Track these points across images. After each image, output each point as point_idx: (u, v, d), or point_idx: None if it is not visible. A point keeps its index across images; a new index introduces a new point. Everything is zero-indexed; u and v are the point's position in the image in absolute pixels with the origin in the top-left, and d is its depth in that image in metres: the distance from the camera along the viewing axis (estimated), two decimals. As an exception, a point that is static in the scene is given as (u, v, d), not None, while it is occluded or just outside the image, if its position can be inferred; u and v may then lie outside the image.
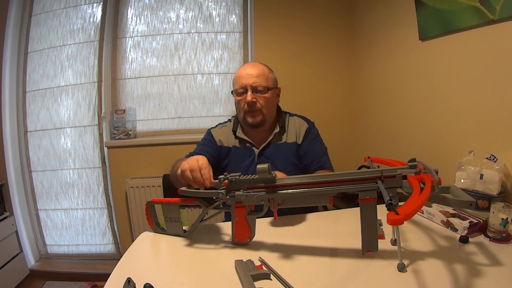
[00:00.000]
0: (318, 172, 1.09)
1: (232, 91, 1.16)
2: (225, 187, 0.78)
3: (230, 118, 1.26)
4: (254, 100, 1.08)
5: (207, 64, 2.07)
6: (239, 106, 1.12)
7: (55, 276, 2.02)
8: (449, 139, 1.33)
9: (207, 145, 1.18)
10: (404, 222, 0.88)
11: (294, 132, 1.18)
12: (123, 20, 2.02)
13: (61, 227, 2.14)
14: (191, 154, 1.14)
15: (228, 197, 0.78)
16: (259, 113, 1.10)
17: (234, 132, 1.18)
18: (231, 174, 0.78)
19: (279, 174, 0.81)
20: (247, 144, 1.16)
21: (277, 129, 1.16)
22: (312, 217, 1.01)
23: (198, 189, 0.80)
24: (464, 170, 1.05)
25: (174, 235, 0.88)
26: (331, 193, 0.72)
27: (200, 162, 0.79)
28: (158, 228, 0.91)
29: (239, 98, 1.12)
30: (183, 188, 0.81)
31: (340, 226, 0.93)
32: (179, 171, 0.80)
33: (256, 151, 1.15)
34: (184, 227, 0.88)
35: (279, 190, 0.75)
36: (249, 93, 1.08)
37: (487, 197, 0.96)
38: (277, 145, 1.16)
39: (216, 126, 1.25)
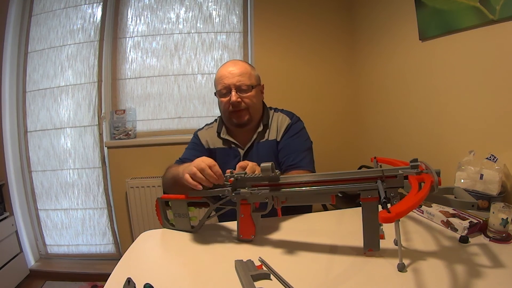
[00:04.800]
0: (292, 173, 1.01)
1: (215, 93, 1.12)
2: (231, 184, 0.80)
3: (216, 118, 1.22)
4: (239, 100, 1.05)
5: (207, 64, 2.07)
6: (224, 107, 1.08)
7: (55, 276, 2.02)
8: (449, 139, 1.33)
9: (195, 148, 1.16)
10: (404, 221, 0.89)
11: (276, 128, 1.13)
12: (123, 20, 2.02)
13: (61, 227, 2.14)
14: (181, 159, 1.13)
15: (233, 194, 0.80)
16: (245, 112, 1.07)
17: (218, 133, 1.15)
18: (237, 172, 0.80)
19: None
20: (232, 145, 1.14)
21: (260, 128, 1.12)
22: (314, 217, 1.01)
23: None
24: (464, 170, 1.05)
25: (183, 231, 0.90)
26: (333, 192, 0.73)
27: (206, 161, 0.79)
28: (167, 224, 0.93)
29: (223, 99, 1.08)
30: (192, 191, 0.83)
31: (343, 225, 0.93)
32: (186, 175, 0.78)
33: (242, 151, 1.12)
34: (192, 223, 0.90)
35: (282, 188, 0.76)
36: (233, 93, 1.04)
37: (487, 197, 0.96)
38: (260, 143, 1.12)
39: (203, 127, 1.23)
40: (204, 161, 0.79)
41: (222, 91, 1.07)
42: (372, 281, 0.62)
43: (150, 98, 2.06)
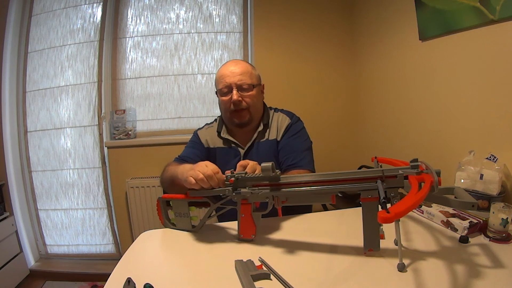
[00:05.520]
0: (291, 172, 1.02)
1: (216, 92, 1.12)
2: (231, 184, 0.80)
3: (216, 118, 1.23)
4: (240, 99, 1.05)
5: (207, 64, 2.07)
6: (225, 106, 1.09)
7: (55, 276, 2.02)
8: (449, 139, 1.33)
9: (195, 147, 1.16)
10: (404, 221, 0.89)
11: (276, 128, 1.13)
12: (123, 20, 2.02)
13: (61, 227, 2.14)
14: (180, 157, 1.13)
15: (234, 194, 0.80)
16: (246, 112, 1.07)
17: (219, 132, 1.15)
18: (237, 172, 0.80)
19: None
20: (232, 145, 1.14)
21: (260, 127, 1.12)
22: (314, 217, 1.01)
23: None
24: (464, 170, 1.05)
25: (184, 230, 0.91)
26: (333, 192, 0.73)
27: (210, 166, 0.79)
28: (168, 223, 0.94)
29: (224, 98, 1.08)
30: (191, 190, 0.84)
31: (343, 225, 0.93)
32: (191, 179, 0.79)
33: (242, 151, 1.13)
34: (192, 223, 0.90)
35: (283, 188, 0.76)
36: (234, 92, 1.05)
37: (487, 197, 0.96)
38: (260, 143, 1.12)
39: (203, 127, 1.23)
40: (208, 167, 0.79)
41: (223, 90, 1.07)
42: (372, 281, 0.62)
43: (150, 98, 2.06)
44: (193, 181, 0.78)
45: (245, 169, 0.81)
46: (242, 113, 1.07)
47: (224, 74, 1.07)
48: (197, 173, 0.78)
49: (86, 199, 2.11)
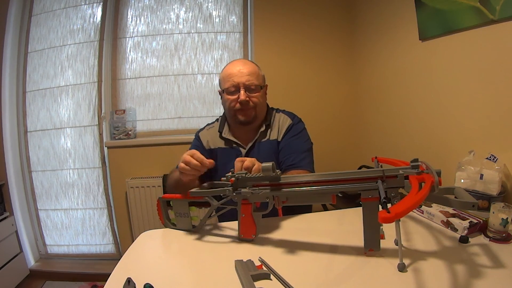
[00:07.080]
0: (291, 173, 1.02)
1: (223, 90, 1.11)
2: (232, 184, 0.80)
3: (218, 118, 1.23)
4: (247, 99, 1.05)
5: (207, 64, 2.07)
6: (230, 105, 1.08)
7: (55, 276, 2.02)
8: (449, 139, 1.33)
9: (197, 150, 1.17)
10: (404, 221, 0.89)
11: (277, 128, 1.14)
12: (123, 20, 2.02)
13: (61, 227, 2.14)
14: None
15: (234, 194, 0.81)
16: (252, 110, 1.08)
17: (220, 133, 1.16)
18: (238, 172, 0.80)
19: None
20: (234, 145, 1.14)
21: (262, 127, 1.13)
22: (315, 217, 1.01)
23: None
24: (464, 170, 1.05)
25: (184, 230, 0.91)
26: (333, 192, 0.73)
27: (189, 152, 0.85)
28: (168, 223, 0.94)
29: (230, 96, 1.08)
30: (193, 190, 0.86)
31: (343, 225, 0.93)
32: (181, 174, 0.84)
33: (243, 151, 1.13)
34: (193, 223, 0.91)
35: (283, 188, 0.76)
36: (242, 92, 1.05)
37: (487, 197, 0.96)
38: (261, 143, 1.13)
39: (204, 127, 1.23)
40: (188, 153, 0.85)
41: (230, 89, 1.07)
42: (372, 281, 0.62)
43: (150, 98, 2.06)
44: (182, 174, 0.84)
45: (243, 163, 0.81)
46: (248, 111, 1.08)
47: (232, 73, 1.07)
48: (181, 165, 0.83)
49: (86, 199, 2.11)
